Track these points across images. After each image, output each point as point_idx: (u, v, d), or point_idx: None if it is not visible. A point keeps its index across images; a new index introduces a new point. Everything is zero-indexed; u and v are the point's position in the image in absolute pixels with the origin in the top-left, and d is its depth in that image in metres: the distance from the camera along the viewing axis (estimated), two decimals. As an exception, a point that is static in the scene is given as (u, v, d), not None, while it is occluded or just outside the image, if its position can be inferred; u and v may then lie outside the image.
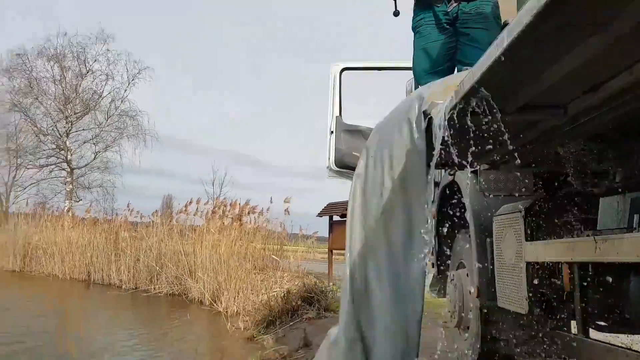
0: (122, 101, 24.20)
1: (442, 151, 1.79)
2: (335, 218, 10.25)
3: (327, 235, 10.72)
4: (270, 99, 68.18)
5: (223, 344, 6.61)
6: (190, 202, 11.35)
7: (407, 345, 1.84)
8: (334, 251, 10.55)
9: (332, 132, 4.08)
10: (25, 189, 24.12)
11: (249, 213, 10.18)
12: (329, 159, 4.08)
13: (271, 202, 10.65)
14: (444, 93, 1.79)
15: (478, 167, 2.75)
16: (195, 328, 7.61)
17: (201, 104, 58.86)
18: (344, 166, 4.19)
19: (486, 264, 2.72)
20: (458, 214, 3.35)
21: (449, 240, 3.53)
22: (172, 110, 53.59)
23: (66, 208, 19.38)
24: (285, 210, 10.06)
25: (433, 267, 4.09)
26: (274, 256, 9.93)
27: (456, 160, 1.79)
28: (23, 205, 20.80)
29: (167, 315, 8.66)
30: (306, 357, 4.84)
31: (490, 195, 2.84)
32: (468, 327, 3.11)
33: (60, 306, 9.86)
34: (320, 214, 10.49)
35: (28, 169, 23.90)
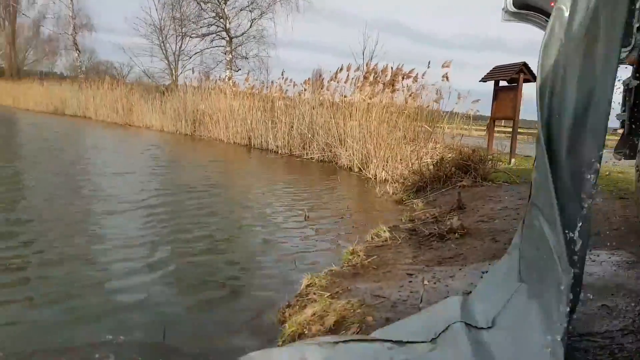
0: (275, -39, 24.24)
1: None
2: (502, 83, 8.93)
3: (486, 113, 9.71)
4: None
5: (373, 204, 6.67)
6: (341, 69, 11.08)
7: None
8: (497, 122, 9.57)
9: None
10: (190, 58, 26.33)
11: (402, 78, 9.56)
12: None
13: (428, 66, 9.69)
14: None
15: None
16: (345, 190, 7.79)
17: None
18: (524, 6, 3.55)
19: None
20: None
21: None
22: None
23: (227, 77, 20.69)
24: (443, 75, 9.12)
25: (623, 126, 3.45)
26: (426, 126, 9.47)
27: None
28: (190, 74, 22.86)
29: (319, 178, 9.01)
30: (459, 217, 4.58)
31: None
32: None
33: (229, 165, 10.83)
34: (484, 79, 9.17)
35: (192, 37, 25.74)
